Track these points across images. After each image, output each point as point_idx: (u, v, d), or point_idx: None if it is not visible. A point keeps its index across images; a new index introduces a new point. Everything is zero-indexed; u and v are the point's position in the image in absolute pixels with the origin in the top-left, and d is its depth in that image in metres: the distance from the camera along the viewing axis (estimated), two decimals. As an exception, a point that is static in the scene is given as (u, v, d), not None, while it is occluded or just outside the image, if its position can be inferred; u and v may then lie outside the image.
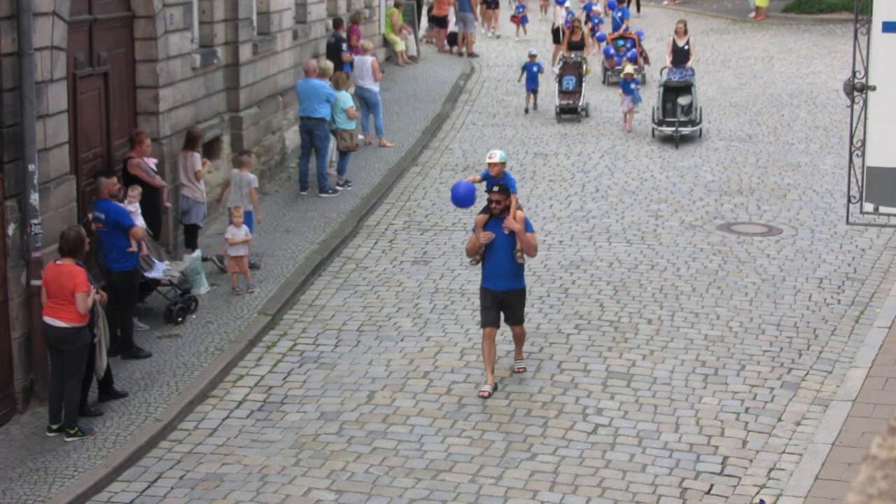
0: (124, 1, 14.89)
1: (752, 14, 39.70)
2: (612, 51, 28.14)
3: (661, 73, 23.71)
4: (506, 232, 12.07)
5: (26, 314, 11.84)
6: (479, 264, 12.45)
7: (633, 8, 39.95)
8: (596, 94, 26.74)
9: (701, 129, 22.68)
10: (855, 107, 13.01)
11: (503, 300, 12.22)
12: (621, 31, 30.22)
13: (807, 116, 24.85)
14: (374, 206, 18.56)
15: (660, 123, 22.53)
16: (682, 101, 22.54)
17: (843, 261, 16.10)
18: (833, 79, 28.14)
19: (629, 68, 23.87)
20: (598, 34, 30.69)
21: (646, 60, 28.15)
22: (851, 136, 13.16)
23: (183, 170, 15.47)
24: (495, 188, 12.21)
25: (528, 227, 12.18)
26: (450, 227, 17.59)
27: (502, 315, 12.38)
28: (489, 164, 12.95)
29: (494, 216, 12.16)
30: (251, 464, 10.90)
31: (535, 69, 24.99)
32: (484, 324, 12.28)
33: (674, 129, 22.17)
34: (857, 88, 12.95)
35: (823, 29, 37.31)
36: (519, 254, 12.12)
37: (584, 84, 24.64)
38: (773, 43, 34.79)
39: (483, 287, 12.37)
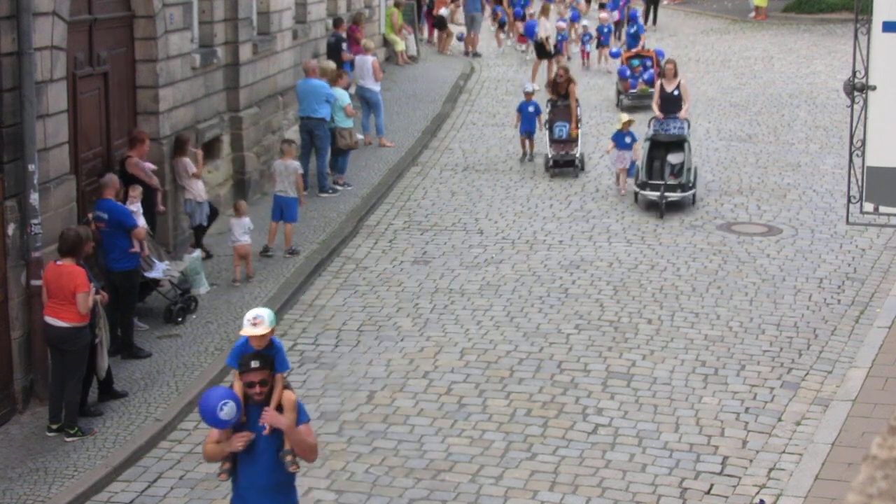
0: (124, 1, 14.89)
1: (752, 14, 39.67)
2: (627, 72, 25.36)
3: (648, 125, 19.52)
4: (264, 431, 7.73)
5: (26, 314, 11.84)
6: (229, 479, 7.94)
7: (642, 16, 39.56)
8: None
9: (694, 195, 18.60)
10: (855, 107, 13.01)
11: None
12: (638, 48, 27.47)
13: (807, 116, 24.84)
14: (374, 206, 18.56)
15: (643, 186, 18.35)
16: (673, 159, 18.68)
17: (843, 261, 16.11)
18: (833, 79, 28.13)
19: (626, 116, 19.65)
20: (612, 51, 28.89)
21: None
22: (851, 136, 13.17)
23: (178, 176, 15.54)
24: (253, 363, 7.66)
25: (301, 415, 7.82)
26: (450, 227, 17.59)
27: None
28: (250, 337, 7.82)
29: (254, 404, 7.76)
30: (251, 464, 10.89)
31: (530, 109, 21.07)
32: None
33: (659, 193, 18.10)
34: (857, 88, 12.95)
35: (823, 29, 37.30)
36: (289, 458, 7.76)
37: (580, 130, 20.69)
38: (773, 43, 34.78)
39: None
